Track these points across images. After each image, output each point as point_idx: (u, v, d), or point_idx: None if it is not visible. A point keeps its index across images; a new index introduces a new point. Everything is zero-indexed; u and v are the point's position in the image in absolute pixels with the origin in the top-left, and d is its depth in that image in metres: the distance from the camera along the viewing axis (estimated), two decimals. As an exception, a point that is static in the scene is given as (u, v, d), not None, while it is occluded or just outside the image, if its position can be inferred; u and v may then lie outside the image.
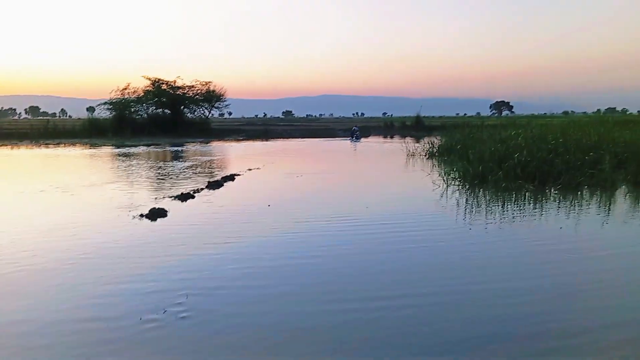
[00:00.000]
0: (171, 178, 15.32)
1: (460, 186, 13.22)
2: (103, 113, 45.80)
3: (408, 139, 32.00)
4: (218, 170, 17.53)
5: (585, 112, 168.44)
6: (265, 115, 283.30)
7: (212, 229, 8.56)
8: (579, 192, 11.99)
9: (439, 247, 7.46)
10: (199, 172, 17.02)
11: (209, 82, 49.10)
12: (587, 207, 10.41)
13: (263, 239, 7.84)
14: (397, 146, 28.11)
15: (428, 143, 23.81)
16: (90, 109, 65.57)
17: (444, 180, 13.85)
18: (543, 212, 9.84)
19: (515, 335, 4.49)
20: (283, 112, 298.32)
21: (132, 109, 45.39)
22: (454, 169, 15.18)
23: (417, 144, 26.38)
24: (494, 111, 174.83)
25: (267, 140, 40.81)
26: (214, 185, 13.40)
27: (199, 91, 48.66)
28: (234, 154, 27.37)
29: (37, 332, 4.54)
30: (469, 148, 17.02)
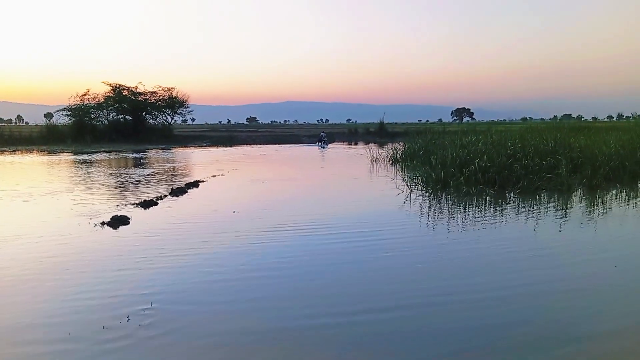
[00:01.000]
0: (133, 185, 15.03)
1: (424, 191, 13.43)
2: (62, 119, 44.69)
3: (372, 145, 32.29)
4: (181, 177, 17.30)
5: (542, 119, 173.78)
6: (229, 121, 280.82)
7: (176, 237, 8.44)
8: (538, 196, 12.35)
9: (404, 255, 7.45)
10: (161, 179, 16.76)
11: (172, 88, 48.58)
12: (546, 210, 10.72)
13: (228, 246, 7.77)
14: (362, 152, 28.33)
15: (391, 149, 24.11)
16: (48, 115, 63.66)
17: (407, 185, 14.04)
18: (503, 216, 10.10)
19: (489, 346, 4.44)
20: (247, 119, 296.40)
21: (92, 115, 44.39)
22: (417, 174, 15.42)
23: (381, 150, 26.65)
24: (455, 118, 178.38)
25: (231, 146, 40.51)
26: (178, 192, 13.22)
27: (161, 97, 48.00)
28: (198, 160, 27.05)
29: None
30: (431, 154, 17.35)
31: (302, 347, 4.38)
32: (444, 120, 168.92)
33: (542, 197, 12.27)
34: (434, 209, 10.98)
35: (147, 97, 47.23)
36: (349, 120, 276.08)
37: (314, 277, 6.31)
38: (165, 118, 49.26)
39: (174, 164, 23.29)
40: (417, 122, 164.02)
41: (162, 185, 15.10)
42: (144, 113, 47.19)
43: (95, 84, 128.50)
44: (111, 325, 4.72)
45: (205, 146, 40.51)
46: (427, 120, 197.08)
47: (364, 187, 15.35)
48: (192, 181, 15.41)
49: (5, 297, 5.52)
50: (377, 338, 4.55)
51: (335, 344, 4.45)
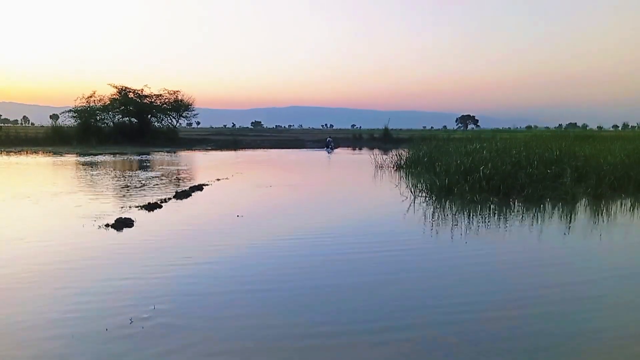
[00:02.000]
0: (137, 187, 15.07)
1: (428, 198, 13.42)
2: (67, 121, 44.91)
3: (376, 151, 32.32)
4: (186, 180, 17.34)
5: (547, 127, 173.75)
6: (234, 125, 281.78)
7: (179, 240, 8.46)
8: (542, 205, 12.31)
9: (410, 263, 7.49)
10: (166, 182, 16.80)
11: (177, 91, 48.84)
12: (550, 219, 10.69)
13: (232, 250, 7.77)
14: (366, 158, 28.33)
15: (396, 155, 24.11)
16: (54, 117, 63.89)
17: (411, 192, 14.03)
18: (508, 225, 10.07)
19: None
20: (252, 123, 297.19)
21: (98, 117, 44.62)
22: (421, 181, 15.41)
23: (385, 156, 26.65)
24: (459, 125, 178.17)
25: (236, 150, 40.60)
26: (182, 195, 13.25)
27: (166, 100, 48.23)
28: (202, 164, 27.11)
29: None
30: (436, 160, 17.35)
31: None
32: (448, 128, 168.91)
33: (547, 206, 12.23)
34: (438, 217, 10.96)
35: (153, 100, 47.50)
36: (353, 125, 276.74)
37: (316, 291, 6.15)
38: (170, 121, 49.50)
39: (179, 167, 23.34)
40: (422, 128, 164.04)
41: (166, 188, 15.13)
42: (149, 116, 47.43)
43: (101, 85, 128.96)
44: (114, 328, 4.73)
45: (210, 150, 40.62)
46: (432, 127, 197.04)
47: (368, 194, 15.33)
48: (196, 184, 15.44)
49: (10, 299, 5.53)
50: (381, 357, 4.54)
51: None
